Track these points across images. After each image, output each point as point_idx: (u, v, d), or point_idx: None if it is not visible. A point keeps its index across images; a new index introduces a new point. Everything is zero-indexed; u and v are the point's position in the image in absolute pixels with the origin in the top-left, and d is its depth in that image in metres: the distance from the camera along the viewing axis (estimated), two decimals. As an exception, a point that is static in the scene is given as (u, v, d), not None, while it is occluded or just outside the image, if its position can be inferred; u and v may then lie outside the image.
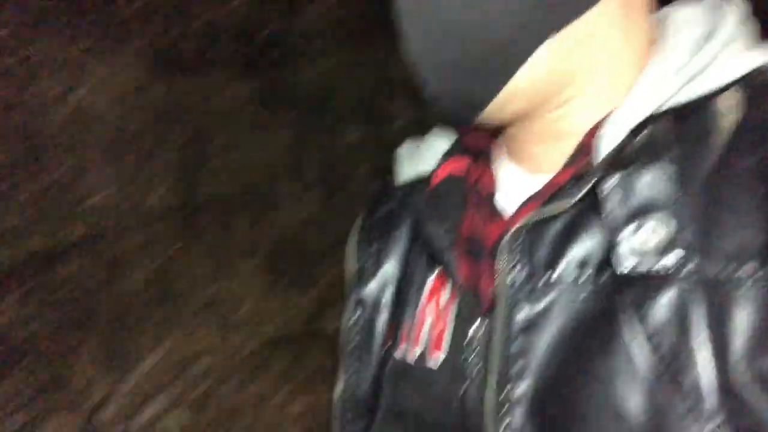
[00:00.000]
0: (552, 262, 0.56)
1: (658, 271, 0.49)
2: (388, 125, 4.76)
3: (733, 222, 0.48)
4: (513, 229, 0.58)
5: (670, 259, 0.49)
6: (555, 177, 0.61)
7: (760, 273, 0.46)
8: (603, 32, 0.59)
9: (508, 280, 0.57)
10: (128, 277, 3.31)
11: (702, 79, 0.55)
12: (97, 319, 3.09)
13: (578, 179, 0.57)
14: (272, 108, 4.69)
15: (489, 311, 0.59)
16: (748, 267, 0.46)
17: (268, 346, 3.60)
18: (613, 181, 0.53)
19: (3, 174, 2.64)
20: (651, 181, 0.51)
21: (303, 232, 4.49)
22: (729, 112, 0.54)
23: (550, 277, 0.56)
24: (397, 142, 0.77)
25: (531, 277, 0.57)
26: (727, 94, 0.56)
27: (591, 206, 0.55)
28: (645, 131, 0.56)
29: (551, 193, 0.60)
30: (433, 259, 0.67)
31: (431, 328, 0.65)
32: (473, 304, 0.62)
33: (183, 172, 3.92)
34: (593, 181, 0.55)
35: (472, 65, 0.57)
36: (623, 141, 0.56)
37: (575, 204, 0.56)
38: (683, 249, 0.49)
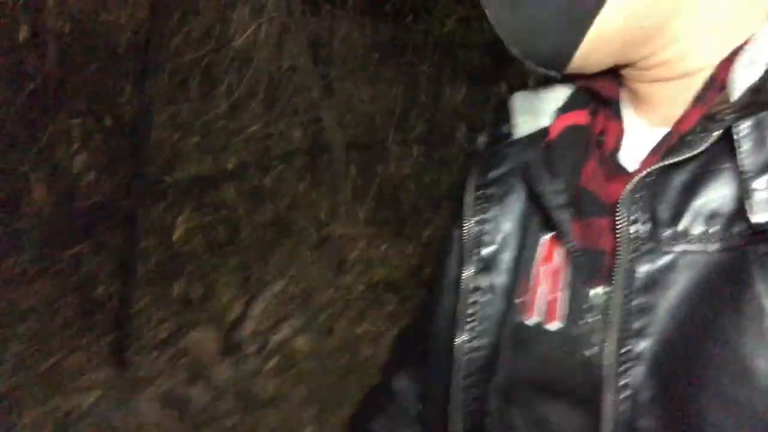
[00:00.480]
0: (677, 214, 0.51)
1: None
2: (495, 88, 4.85)
3: None
4: (635, 180, 0.53)
5: None
6: (681, 120, 0.56)
7: None
8: None
9: (630, 233, 0.53)
10: (264, 209, 3.52)
11: None
12: (238, 243, 3.31)
13: (710, 119, 0.51)
14: (390, 62, 4.82)
15: (610, 275, 0.55)
16: None
17: (377, 288, 3.80)
18: (750, 122, 0.48)
19: (179, 108, 2.84)
20: None
21: (407, 185, 4.66)
22: None
23: (675, 230, 0.51)
24: (500, 107, 0.73)
25: (654, 230, 0.52)
26: None
27: (723, 151, 0.50)
28: None
29: (677, 138, 0.54)
30: (546, 219, 0.62)
31: (547, 292, 0.62)
32: (591, 266, 0.58)
33: (313, 116, 4.10)
34: (728, 122, 0.49)
35: (553, 9, 0.53)
36: (763, 77, 0.50)
37: (706, 149, 0.50)
38: None
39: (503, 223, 0.66)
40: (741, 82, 0.51)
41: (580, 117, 0.64)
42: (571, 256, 0.59)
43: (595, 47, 0.55)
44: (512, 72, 4.28)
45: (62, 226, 2.43)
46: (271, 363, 3.03)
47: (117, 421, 2.45)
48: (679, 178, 0.52)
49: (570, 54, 0.55)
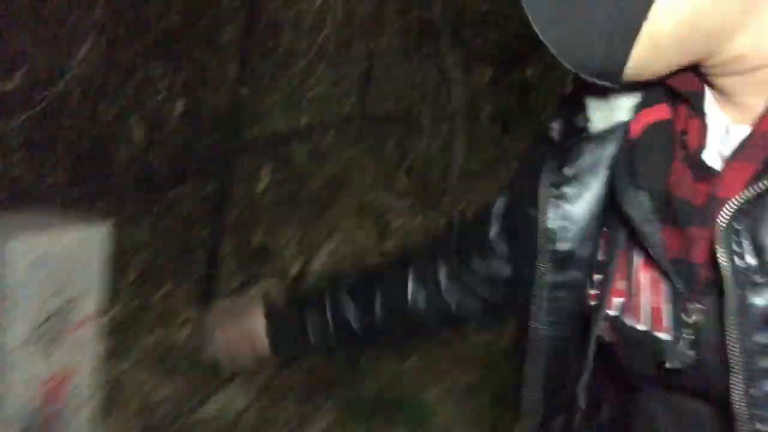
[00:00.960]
0: None
1: None
2: (519, 71, 5.05)
3: None
4: (732, 205, 0.50)
5: None
6: (762, 119, 0.54)
7: None
8: None
9: (737, 265, 0.50)
10: (322, 171, 3.65)
11: None
12: (299, 201, 3.43)
13: None
14: (424, 41, 4.97)
15: (706, 287, 0.54)
16: None
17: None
18: None
19: (258, 69, 2.94)
20: None
21: (441, 157, 4.83)
22: None
23: None
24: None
25: (763, 260, 0.50)
26: None
27: None
28: None
29: (761, 139, 0.52)
30: (632, 230, 0.60)
31: (649, 302, 0.61)
32: (687, 279, 0.57)
33: (362, 86, 4.23)
34: None
35: (599, 19, 0.51)
36: None
37: None
38: None
39: (578, 221, 0.65)
40: None
41: (662, 111, 0.61)
42: (667, 268, 0.58)
43: (649, 54, 0.52)
44: (541, 53, 4.47)
45: (161, 170, 2.53)
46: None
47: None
48: None
49: (622, 63, 0.53)
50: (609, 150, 0.63)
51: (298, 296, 1.02)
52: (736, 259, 0.51)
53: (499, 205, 0.82)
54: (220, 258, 2.86)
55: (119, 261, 2.45)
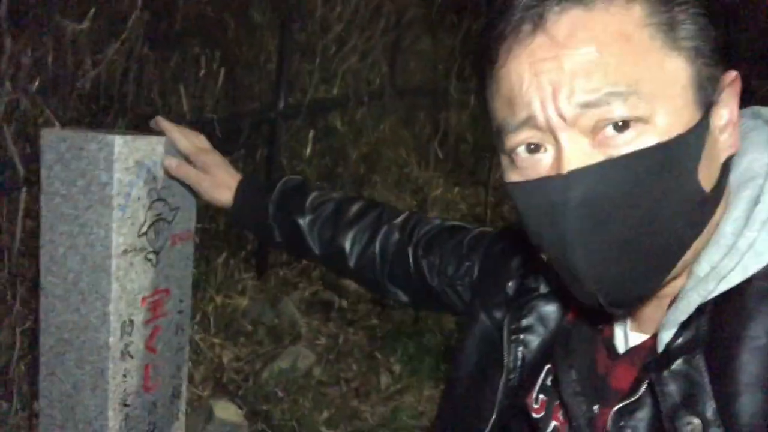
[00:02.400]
0: None
1: None
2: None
3: None
4: (615, 410, 0.63)
5: None
6: (650, 340, 0.65)
7: None
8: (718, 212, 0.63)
9: None
10: (359, 142, 3.66)
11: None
12: (342, 172, 3.44)
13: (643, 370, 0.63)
14: (445, 15, 4.97)
15: None
16: None
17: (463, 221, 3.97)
18: (666, 374, 0.60)
19: (299, 44, 2.96)
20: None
21: (469, 132, 4.82)
22: None
23: None
24: (526, 264, 0.82)
25: None
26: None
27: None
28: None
29: (644, 358, 0.65)
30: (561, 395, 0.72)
31: None
32: None
33: (390, 63, 4.24)
34: (645, 378, 0.61)
35: (644, 260, 0.60)
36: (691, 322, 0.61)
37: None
38: None
39: (528, 358, 0.77)
40: (662, 338, 0.62)
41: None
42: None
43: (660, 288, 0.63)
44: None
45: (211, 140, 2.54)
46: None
47: (269, 321, 2.58)
48: (642, 413, 0.63)
49: (649, 295, 0.63)
50: (556, 307, 0.76)
51: (281, 184, 1.14)
52: None
53: (475, 253, 0.94)
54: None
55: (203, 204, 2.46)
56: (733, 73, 0.63)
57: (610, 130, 0.58)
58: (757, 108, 0.70)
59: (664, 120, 0.58)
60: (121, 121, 2.21)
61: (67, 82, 2.11)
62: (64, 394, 1.15)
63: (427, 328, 2.65)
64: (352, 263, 1.06)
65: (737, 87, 0.63)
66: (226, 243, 2.63)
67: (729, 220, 0.62)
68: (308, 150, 2.88)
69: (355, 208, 1.07)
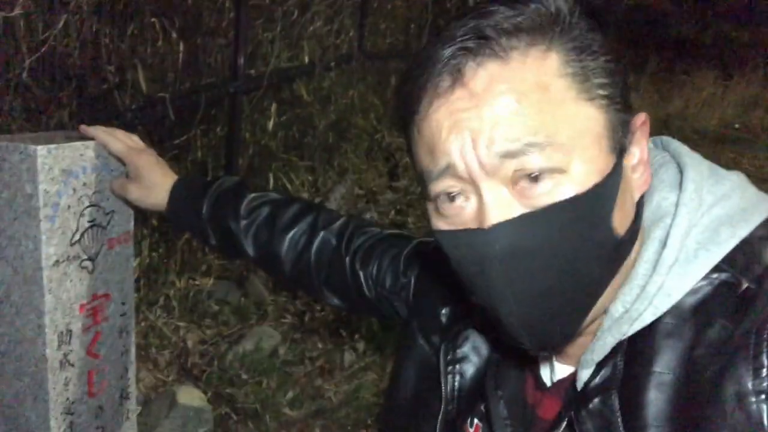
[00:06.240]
0: None
1: None
2: None
3: None
4: None
5: None
6: (572, 376, 0.67)
7: None
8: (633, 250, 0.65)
9: None
10: (327, 111, 3.58)
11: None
12: (311, 141, 3.38)
13: (566, 405, 0.65)
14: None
15: None
16: None
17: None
18: (584, 412, 0.61)
19: (259, 9, 2.85)
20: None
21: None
22: None
23: None
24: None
25: None
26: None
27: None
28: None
29: (569, 391, 0.67)
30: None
31: None
32: None
33: (358, 26, 4.12)
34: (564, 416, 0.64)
35: (567, 301, 0.62)
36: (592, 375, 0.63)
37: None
38: None
39: (465, 388, 0.78)
40: (581, 376, 0.64)
41: None
42: None
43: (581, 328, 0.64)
44: None
45: (168, 115, 2.46)
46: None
47: (235, 300, 2.56)
48: None
49: (572, 336, 0.64)
50: (488, 337, 0.76)
51: (215, 186, 1.10)
52: None
53: (410, 270, 0.93)
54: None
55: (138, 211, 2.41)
56: (642, 115, 0.64)
57: (526, 182, 0.59)
58: (666, 139, 0.72)
59: (580, 169, 0.59)
60: (75, 103, 2.12)
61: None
62: (6, 405, 1.13)
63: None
64: (287, 269, 1.04)
65: (646, 128, 0.65)
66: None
67: (641, 262, 0.63)
68: (271, 122, 2.81)
69: (290, 212, 1.05)
